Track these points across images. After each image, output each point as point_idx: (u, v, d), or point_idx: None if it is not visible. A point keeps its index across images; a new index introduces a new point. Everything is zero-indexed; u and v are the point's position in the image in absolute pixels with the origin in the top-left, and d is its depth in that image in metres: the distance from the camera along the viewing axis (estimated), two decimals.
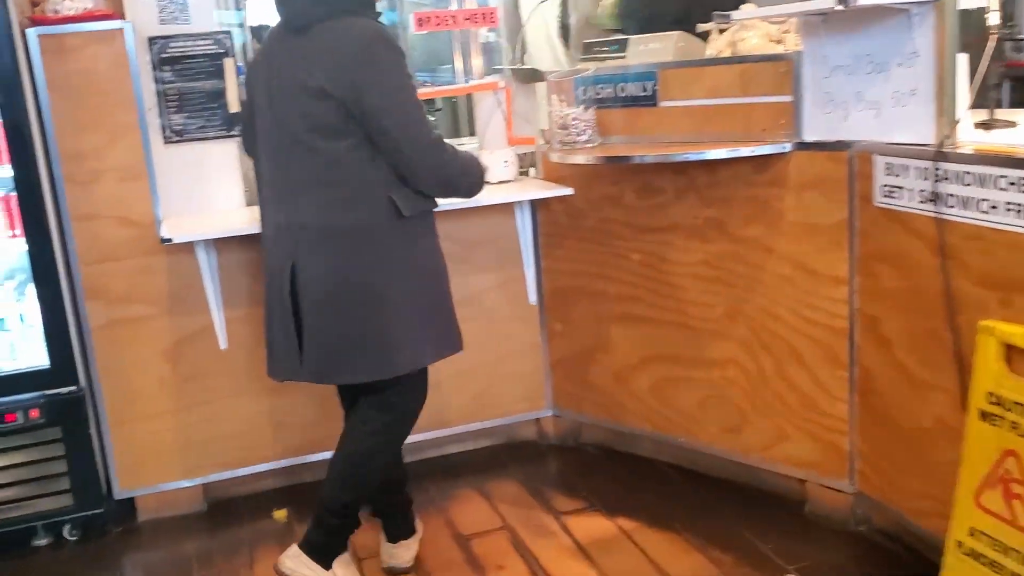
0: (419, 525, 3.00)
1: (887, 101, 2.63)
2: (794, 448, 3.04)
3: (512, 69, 3.76)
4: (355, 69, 2.43)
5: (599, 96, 3.40)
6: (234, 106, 3.35)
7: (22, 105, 3.01)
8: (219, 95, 3.36)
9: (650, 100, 3.24)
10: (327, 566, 2.64)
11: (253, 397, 3.39)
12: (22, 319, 3.23)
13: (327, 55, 2.45)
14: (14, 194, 3.07)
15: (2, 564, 3.15)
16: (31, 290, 3.14)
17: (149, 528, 3.35)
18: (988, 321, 2.29)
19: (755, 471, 3.20)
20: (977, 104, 2.53)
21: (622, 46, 3.52)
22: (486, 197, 3.06)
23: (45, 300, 3.11)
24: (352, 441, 2.68)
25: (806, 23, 2.83)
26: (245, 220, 3.17)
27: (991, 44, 2.45)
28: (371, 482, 2.72)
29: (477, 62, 3.88)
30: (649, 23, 3.55)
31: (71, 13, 3.11)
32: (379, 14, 2.62)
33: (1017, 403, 2.20)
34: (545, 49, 4.23)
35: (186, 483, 3.40)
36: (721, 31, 3.30)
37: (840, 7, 2.48)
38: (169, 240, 3.06)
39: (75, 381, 3.17)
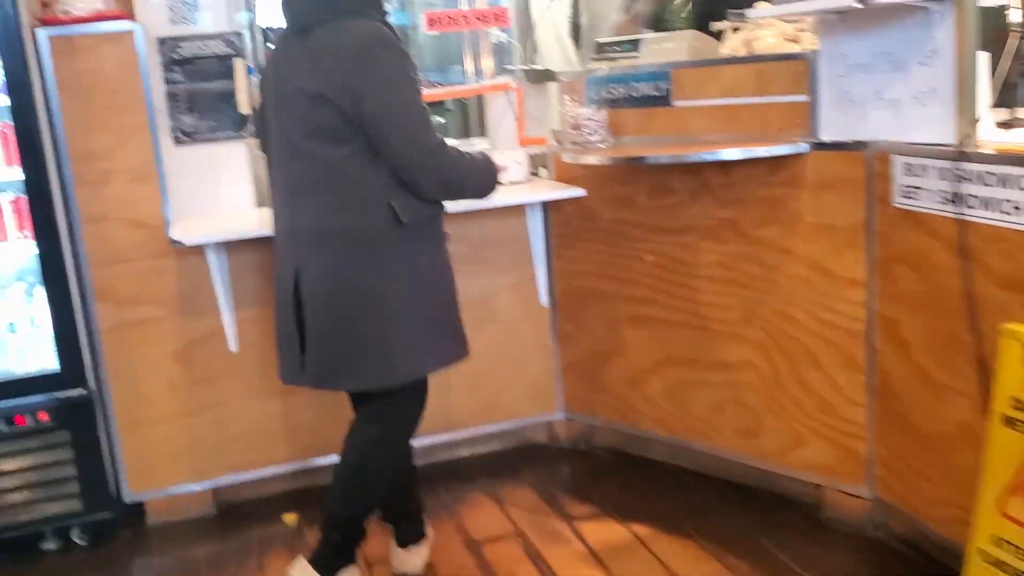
0: (429, 530, 2.96)
1: (906, 100, 2.59)
2: (811, 453, 3.00)
3: (523, 69, 3.73)
4: (352, 73, 2.36)
5: (612, 96, 3.37)
6: (244, 107, 3.33)
7: (32, 106, 3.00)
8: (229, 96, 3.33)
9: (664, 100, 3.20)
10: None
11: (263, 400, 3.37)
12: (31, 321, 3.21)
13: (325, 59, 2.39)
14: (23, 195, 3.05)
15: (11, 568, 3.13)
16: (40, 292, 3.12)
17: (158, 532, 3.33)
18: (1011, 324, 2.24)
19: (771, 476, 3.16)
20: (998, 103, 2.50)
21: (635, 46, 3.48)
22: (497, 198, 3.01)
23: (54, 302, 3.09)
24: (350, 453, 2.64)
25: (823, 21, 2.80)
26: (255, 222, 3.15)
27: (1012, 42, 2.40)
28: (373, 495, 2.68)
29: (488, 62, 3.86)
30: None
31: (81, 14, 3.09)
32: (386, 14, 2.54)
33: None
34: (556, 49, 4.21)
35: (196, 486, 3.38)
36: (735, 30, 3.27)
37: (859, 5, 2.45)
38: (179, 243, 3.04)
39: (84, 384, 3.16)
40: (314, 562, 2.60)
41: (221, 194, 3.37)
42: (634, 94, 3.30)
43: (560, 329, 3.67)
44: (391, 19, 2.59)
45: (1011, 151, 2.33)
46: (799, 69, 2.86)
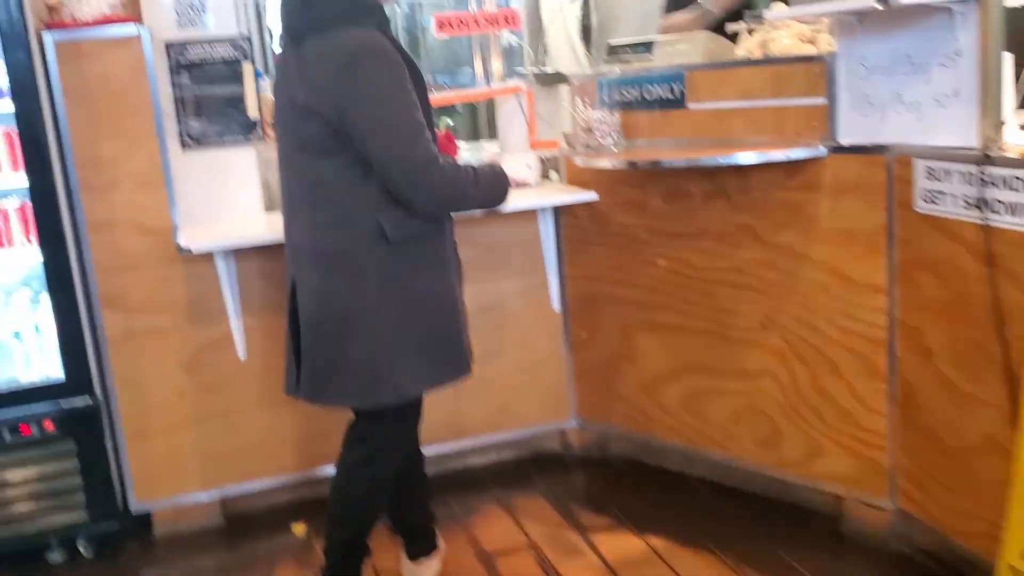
0: (441, 543, 2.91)
1: (927, 103, 2.53)
2: (831, 463, 2.93)
3: (534, 72, 3.68)
4: (338, 84, 2.27)
5: (624, 99, 3.32)
6: (253, 111, 3.29)
7: (38, 111, 2.96)
8: (237, 100, 3.29)
9: (678, 103, 3.15)
10: None
11: (272, 408, 3.32)
12: (37, 329, 3.17)
13: (314, 69, 2.32)
14: (29, 202, 3.01)
15: None
16: (46, 299, 3.08)
17: (166, 543, 3.29)
18: None
19: (790, 486, 3.10)
20: None
21: (648, 48, 3.43)
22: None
23: (60, 310, 3.05)
24: (340, 473, 2.60)
25: (841, 22, 2.74)
26: (264, 228, 3.11)
27: None
28: (366, 516, 2.63)
29: (497, 64, 3.81)
30: None
31: (88, 18, 3.05)
32: (385, 21, 2.43)
33: None
34: (566, 51, 4.16)
35: (203, 496, 3.33)
36: (751, 31, 3.22)
37: (879, 6, 2.39)
38: (187, 250, 3.00)
39: (90, 392, 3.12)
40: None
41: (230, 199, 3.32)
42: (648, 96, 3.25)
43: (573, 335, 3.62)
44: (395, 23, 2.52)
45: None
46: (816, 71, 2.80)
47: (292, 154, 2.43)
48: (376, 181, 2.34)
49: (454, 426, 3.48)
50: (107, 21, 3.06)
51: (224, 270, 3.16)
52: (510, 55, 3.87)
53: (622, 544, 3.01)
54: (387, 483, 2.64)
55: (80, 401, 3.10)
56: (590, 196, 3.34)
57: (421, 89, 2.41)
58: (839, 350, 2.85)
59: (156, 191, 3.14)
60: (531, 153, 3.55)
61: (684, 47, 3.34)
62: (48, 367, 3.14)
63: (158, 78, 3.14)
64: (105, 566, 3.16)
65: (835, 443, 2.91)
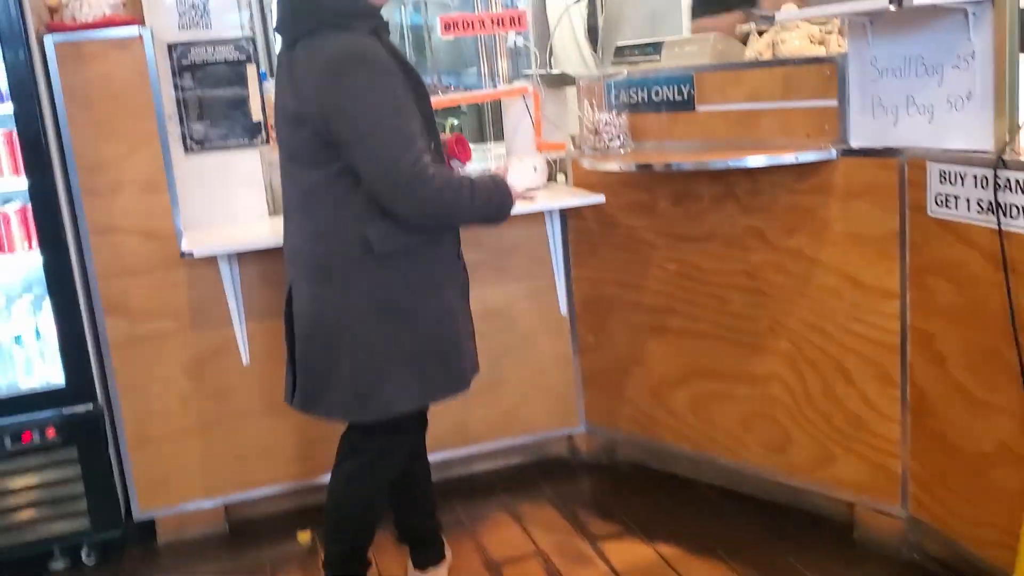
0: (448, 551, 2.88)
1: (941, 105, 2.50)
2: (842, 469, 2.90)
3: (541, 74, 3.65)
4: (324, 93, 2.20)
5: (632, 100, 3.28)
6: (257, 114, 3.25)
7: (38, 114, 2.93)
8: (241, 102, 3.26)
9: (687, 104, 3.11)
10: None
11: (277, 414, 3.28)
12: (38, 335, 3.14)
13: (302, 77, 2.26)
14: (30, 205, 2.98)
15: None
16: (47, 304, 3.05)
17: (169, 550, 3.25)
18: None
19: (801, 493, 3.06)
20: None
21: (656, 49, 3.40)
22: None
23: (62, 315, 3.02)
24: (333, 487, 2.56)
25: (852, 23, 2.70)
26: (268, 232, 3.08)
27: None
28: (364, 529, 2.59)
29: (504, 66, 3.77)
30: None
31: (89, 20, 3.02)
32: (379, 25, 2.34)
33: None
34: (572, 52, 4.12)
35: (207, 503, 3.30)
36: (760, 33, 3.18)
37: (892, 7, 2.35)
38: (190, 255, 2.97)
39: (93, 399, 3.08)
40: None
41: (233, 203, 3.28)
42: (656, 98, 3.21)
43: (580, 339, 3.58)
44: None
45: None
46: (827, 73, 2.77)
47: (285, 162, 2.40)
48: (365, 192, 2.27)
49: (460, 432, 3.45)
50: (108, 22, 3.03)
51: (228, 275, 3.13)
52: (516, 56, 3.83)
53: (631, 552, 2.97)
54: (382, 495, 2.59)
55: (82, 408, 3.07)
56: (597, 199, 3.30)
57: (421, 96, 2.35)
58: (850, 355, 2.82)
59: (159, 195, 3.10)
60: (538, 155, 3.51)
61: (693, 48, 3.31)
62: (50, 373, 3.11)
63: (160, 80, 3.11)
64: (108, 574, 3.13)
65: (846, 449, 2.88)
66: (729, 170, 2.96)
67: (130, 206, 3.08)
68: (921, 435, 2.69)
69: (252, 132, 3.26)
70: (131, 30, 3.02)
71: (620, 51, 3.55)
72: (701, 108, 3.09)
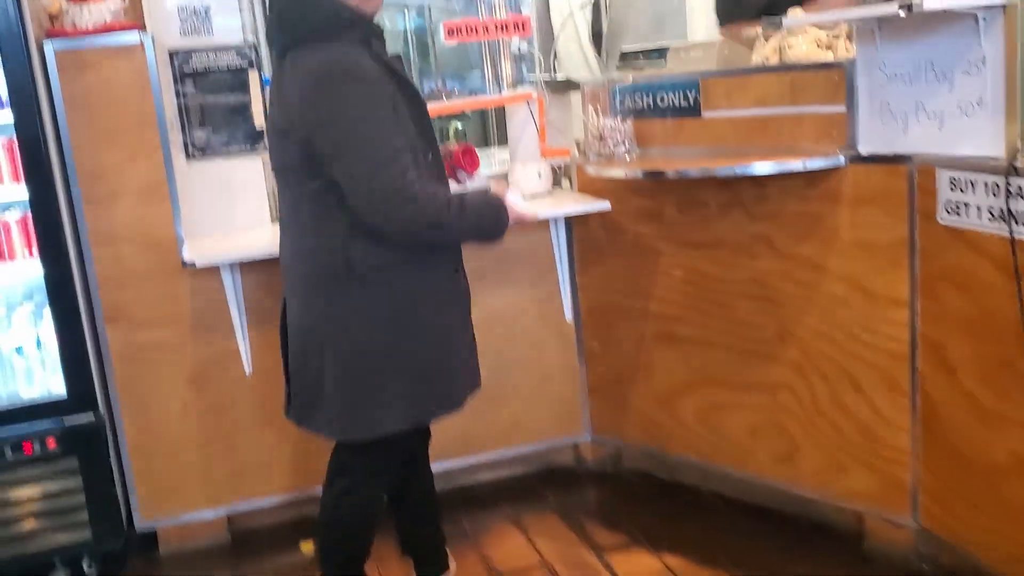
0: (452, 563, 2.85)
1: (951, 111, 2.47)
2: (851, 480, 2.87)
3: (545, 80, 3.62)
4: (306, 106, 2.15)
5: (637, 106, 3.25)
6: (259, 120, 3.23)
7: (39, 122, 2.90)
8: (243, 109, 3.23)
9: (693, 110, 3.09)
10: None
11: (279, 424, 3.22)
12: (39, 344, 3.12)
13: (288, 90, 2.22)
14: (30, 214, 2.96)
15: None
16: (48, 314, 3.03)
17: (171, 561, 3.23)
18: None
19: (809, 503, 3.03)
20: None
21: (662, 54, 3.38)
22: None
23: (62, 324, 2.99)
24: (324, 506, 2.52)
25: (860, 29, 2.68)
26: (271, 240, 3.04)
27: None
28: (357, 546, 2.56)
29: (508, 71, 3.75)
30: None
31: (89, 26, 2.99)
32: (371, 34, 2.27)
33: None
34: (577, 57, 4.10)
35: (210, 514, 3.28)
36: (767, 37, 3.15)
37: (902, 13, 2.32)
38: (192, 263, 2.94)
39: (94, 408, 3.06)
40: None
41: (235, 211, 3.26)
42: (661, 104, 3.19)
43: (586, 347, 3.55)
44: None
45: None
46: (835, 78, 2.74)
47: (277, 176, 2.38)
48: (350, 208, 2.20)
49: (464, 441, 3.42)
50: (109, 29, 3.00)
51: (230, 283, 3.10)
52: (520, 62, 3.81)
53: (636, 562, 2.94)
54: (374, 512, 2.56)
55: (83, 418, 3.04)
56: (603, 205, 3.27)
57: (416, 107, 2.29)
58: (859, 364, 2.78)
59: (160, 202, 3.08)
60: (542, 161, 3.49)
61: (699, 54, 3.28)
62: (51, 383, 3.09)
63: (162, 87, 3.08)
64: None
65: (855, 459, 2.85)
66: (736, 177, 2.93)
67: (131, 214, 3.06)
68: (932, 445, 2.66)
69: (254, 139, 3.24)
70: (132, 37, 3.00)
71: (625, 56, 3.53)
72: (707, 114, 3.06)
